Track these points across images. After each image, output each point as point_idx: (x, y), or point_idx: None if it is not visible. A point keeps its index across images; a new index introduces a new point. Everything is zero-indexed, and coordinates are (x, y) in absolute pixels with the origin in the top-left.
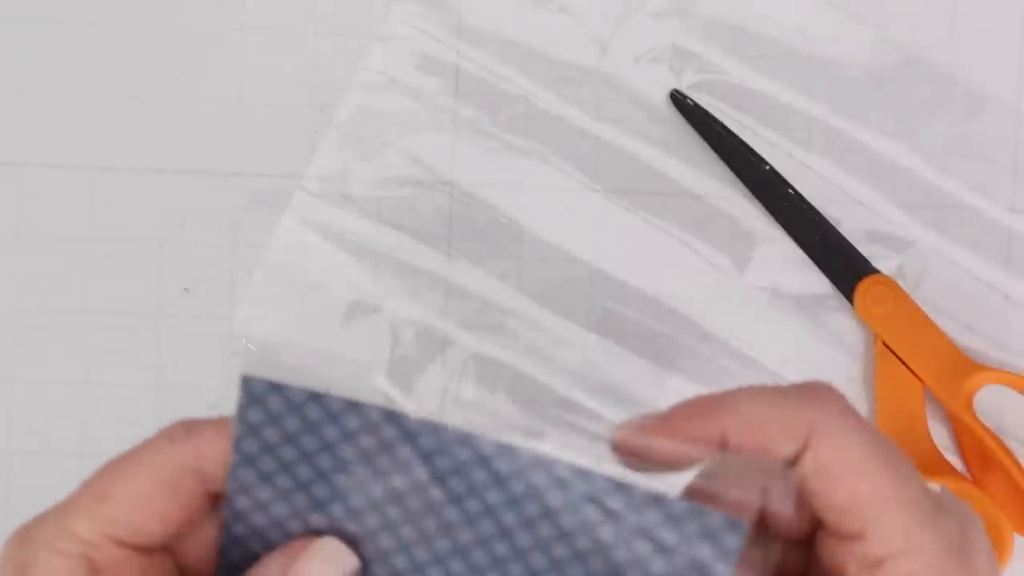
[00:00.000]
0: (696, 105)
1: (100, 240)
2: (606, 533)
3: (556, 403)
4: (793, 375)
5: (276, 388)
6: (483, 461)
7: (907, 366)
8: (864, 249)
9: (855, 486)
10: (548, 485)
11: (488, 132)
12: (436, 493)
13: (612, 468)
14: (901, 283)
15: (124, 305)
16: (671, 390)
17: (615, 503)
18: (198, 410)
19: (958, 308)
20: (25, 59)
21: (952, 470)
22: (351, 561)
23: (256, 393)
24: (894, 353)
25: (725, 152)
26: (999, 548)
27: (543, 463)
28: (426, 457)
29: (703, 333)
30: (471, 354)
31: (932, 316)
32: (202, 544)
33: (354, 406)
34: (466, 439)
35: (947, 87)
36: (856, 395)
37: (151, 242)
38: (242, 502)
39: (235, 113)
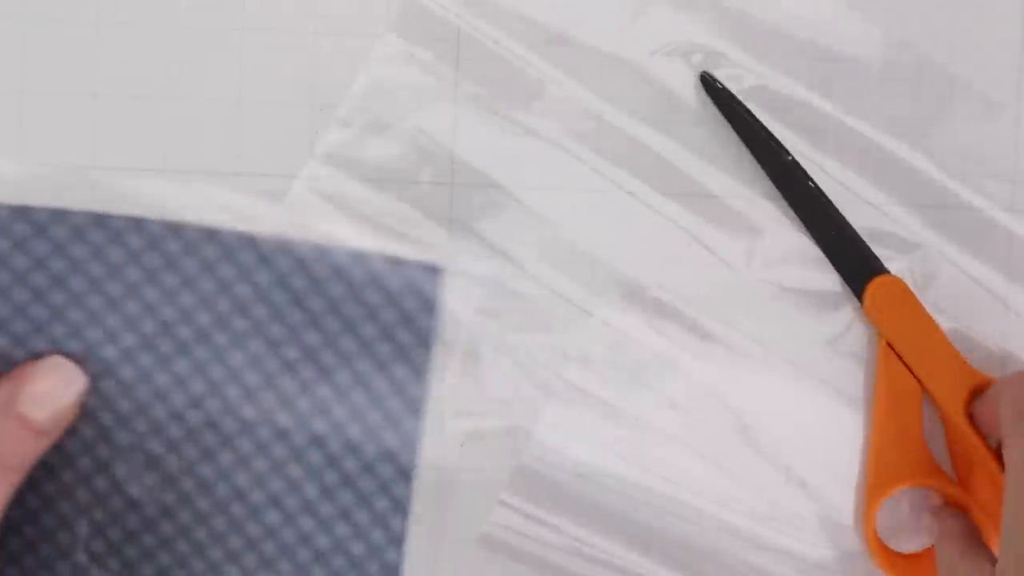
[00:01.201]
0: (724, 88)
1: None
2: (316, 303)
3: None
4: (794, 371)
5: None
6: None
7: (908, 368)
8: (872, 249)
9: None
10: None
11: (495, 110)
12: (151, 292)
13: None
14: (906, 282)
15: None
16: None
17: (320, 268)
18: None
19: (960, 309)
20: (25, 59)
21: (943, 475)
22: (80, 378)
23: None
24: (897, 354)
25: (748, 139)
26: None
27: (243, 239)
28: (133, 255)
29: (706, 330)
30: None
31: (935, 316)
32: None
33: (64, 218)
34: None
35: (956, 88)
36: (855, 393)
37: None
38: None
39: (235, 113)
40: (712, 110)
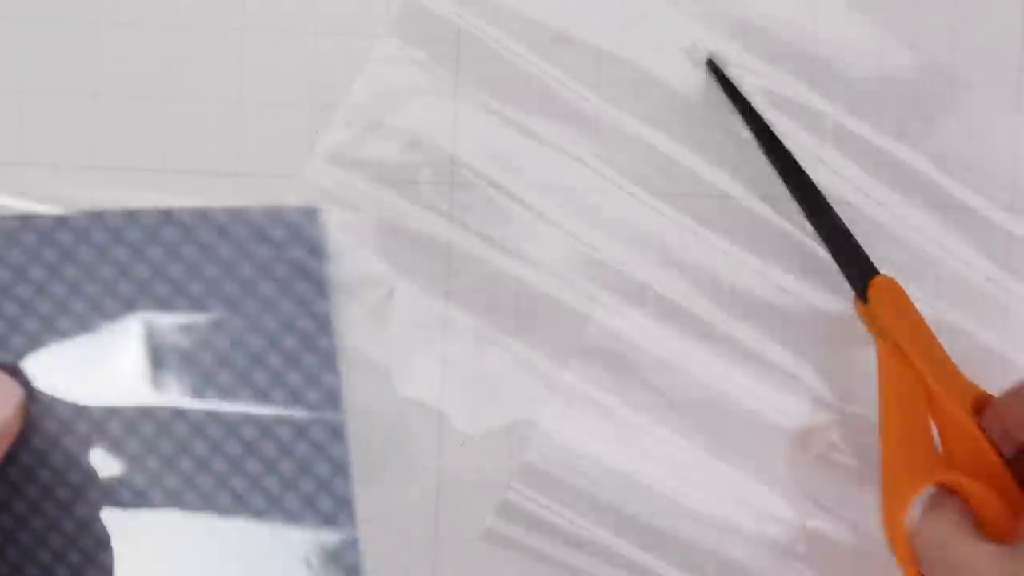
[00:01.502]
0: (727, 79)
1: None
2: (210, 269)
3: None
4: (798, 370)
5: None
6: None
7: (913, 367)
8: (871, 248)
9: None
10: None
11: (495, 110)
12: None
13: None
14: (906, 282)
15: None
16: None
17: (204, 233)
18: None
19: (960, 309)
20: (25, 59)
21: (957, 471)
22: (13, 387)
23: None
24: (901, 353)
25: (753, 129)
26: None
27: (125, 217)
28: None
29: (707, 329)
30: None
31: (935, 316)
32: None
33: None
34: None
35: (956, 88)
36: (857, 392)
37: None
38: None
39: (235, 113)
40: (712, 110)
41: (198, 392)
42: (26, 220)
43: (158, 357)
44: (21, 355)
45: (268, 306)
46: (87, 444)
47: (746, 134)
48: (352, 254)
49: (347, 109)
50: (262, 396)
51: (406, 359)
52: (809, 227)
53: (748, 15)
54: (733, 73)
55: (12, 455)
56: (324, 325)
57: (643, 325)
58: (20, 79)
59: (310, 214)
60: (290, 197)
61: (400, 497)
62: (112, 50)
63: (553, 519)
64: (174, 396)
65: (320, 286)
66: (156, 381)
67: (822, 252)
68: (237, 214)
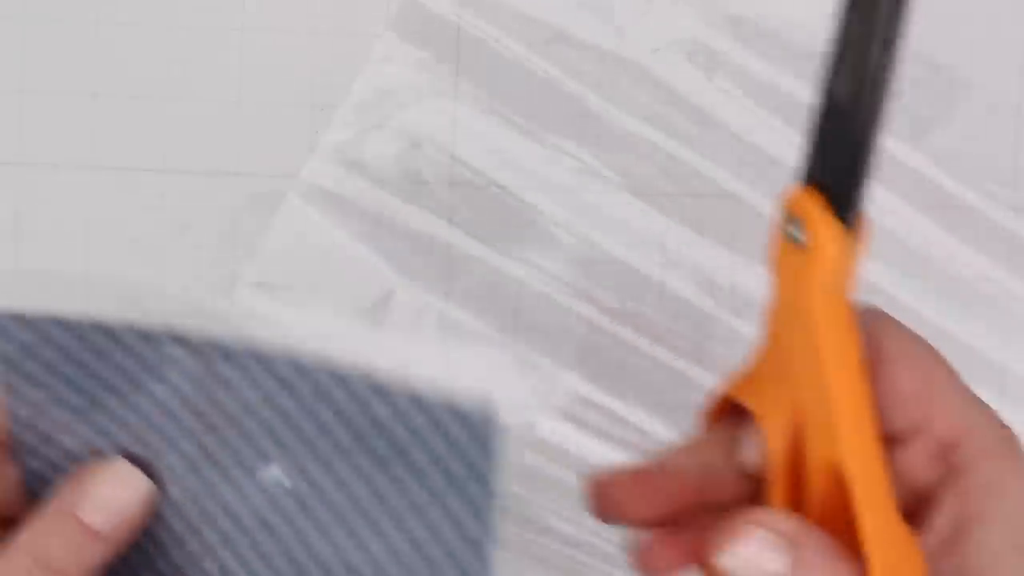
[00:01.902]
0: None
1: (99, 240)
2: (381, 445)
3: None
4: None
5: (17, 318)
6: (243, 364)
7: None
8: (871, 247)
9: (918, 372)
10: (331, 384)
11: (495, 110)
12: (208, 406)
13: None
14: (907, 282)
15: (125, 305)
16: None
17: (380, 408)
18: None
19: (959, 309)
20: (25, 59)
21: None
22: (144, 482)
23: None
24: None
25: None
26: None
27: (302, 368)
28: (193, 375)
29: (707, 329)
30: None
31: (935, 315)
32: (7, 484)
33: (101, 327)
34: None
35: (956, 88)
36: None
37: (151, 242)
38: (30, 438)
39: (235, 113)
40: (712, 110)
41: (340, 551)
42: (212, 340)
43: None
44: (160, 456)
45: (433, 495)
46: (212, 552)
47: (747, 134)
48: (352, 254)
49: (347, 109)
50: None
51: (406, 359)
52: None
53: (748, 14)
54: (732, 72)
55: (138, 549)
56: (486, 527)
57: (643, 325)
58: (20, 79)
59: (491, 422)
60: (291, 198)
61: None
62: (112, 50)
63: (553, 519)
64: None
65: (488, 492)
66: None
67: None
68: (417, 402)
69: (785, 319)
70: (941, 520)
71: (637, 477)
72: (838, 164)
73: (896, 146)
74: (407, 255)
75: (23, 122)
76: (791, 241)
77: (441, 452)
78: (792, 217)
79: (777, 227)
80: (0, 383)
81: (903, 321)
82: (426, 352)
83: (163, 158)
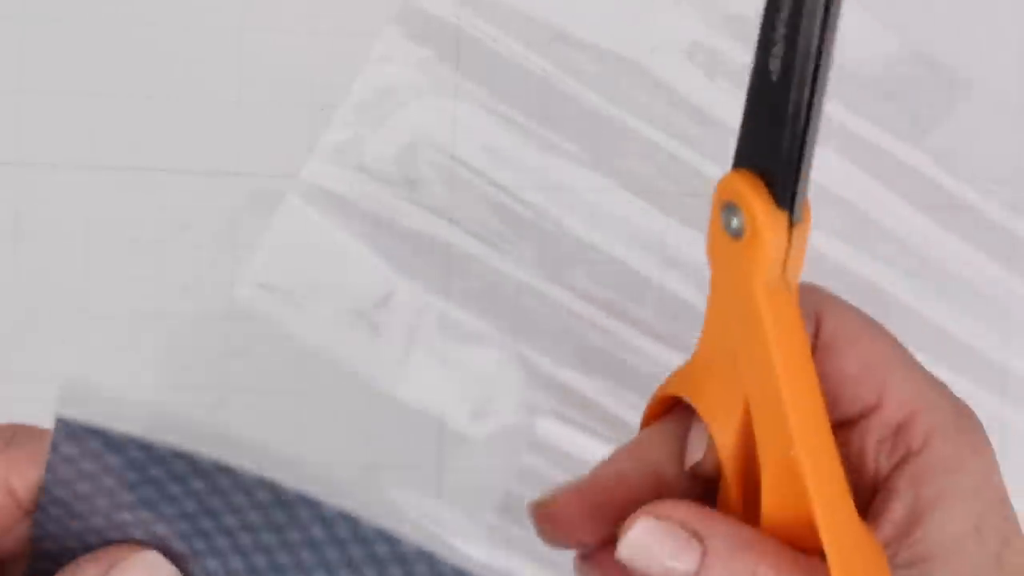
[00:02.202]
0: None
1: (99, 240)
2: None
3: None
4: None
5: (94, 432)
6: (320, 520)
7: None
8: (871, 247)
9: (864, 351)
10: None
11: (495, 110)
12: (269, 537)
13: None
14: (907, 282)
15: (124, 305)
16: None
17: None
18: (197, 410)
19: (959, 310)
20: (25, 59)
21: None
22: (172, 574)
23: (72, 432)
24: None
25: None
26: None
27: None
28: (260, 506)
29: None
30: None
31: (935, 315)
32: (13, 537)
33: (183, 456)
34: (301, 499)
35: (957, 88)
36: None
37: (151, 242)
38: (54, 511)
39: (235, 113)
40: (712, 110)
41: None
42: (273, 487)
43: None
44: (197, 554)
45: None
46: None
47: None
48: (352, 254)
49: (347, 109)
50: None
51: (406, 359)
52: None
53: (748, 14)
54: (732, 72)
55: None
56: None
57: (643, 325)
58: (20, 79)
59: None
60: (291, 198)
61: (400, 498)
62: (112, 50)
63: None
64: None
65: None
66: None
67: (822, 251)
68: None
69: (726, 310)
70: (897, 507)
71: (581, 493)
72: (775, 145)
73: (896, 146)
74: (407, 255)
75: (22, 122)
76: (728, 229)
77: None
78: (728, 203)
79: (713, 214)
80: (48, 475)
81: (907, 322)
82: (426, 352)
83: (163, 158)
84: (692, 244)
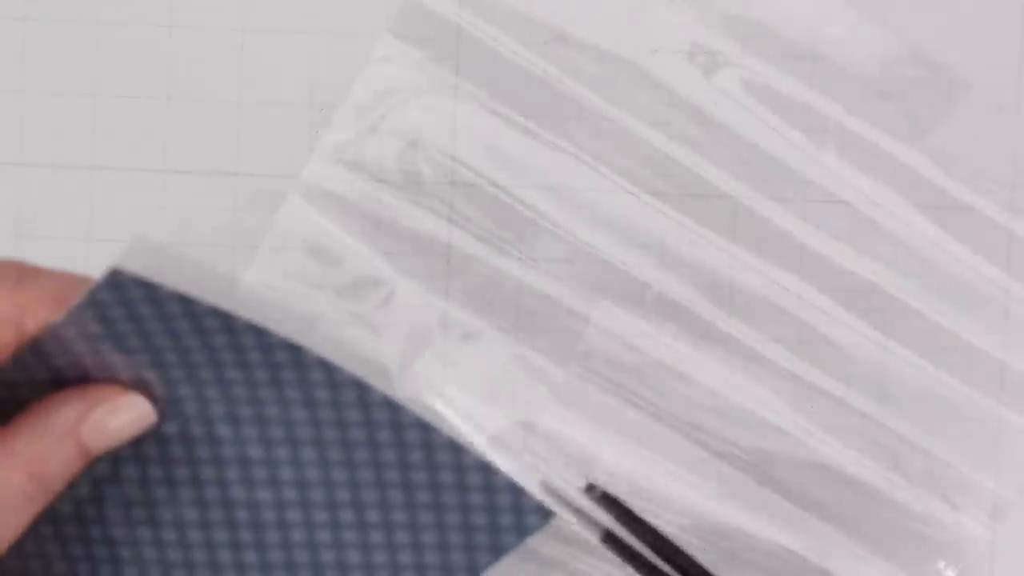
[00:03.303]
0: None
1: (99, 240)
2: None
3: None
4: (793, 370)
5: (141, 284)
6: (330, 384)
7: None
8: (871, 247)
9: None
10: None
11: (495, 110)
12: (267, 392)
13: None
14: (907, 282)
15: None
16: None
17: (444, 455)
18: None
19: (960, 308)
20: (25, 59)
21: None
22: (150, 417)
23: (118, 282)
24: None
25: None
26: None
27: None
28: (275, 366)
29: (707, 329)
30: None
31: (936, 315)
32: None
33: (220, 314)
34: (321, 363)
35: (956, 89)
36: (854, 385)
37: None
38: (49, 347)
39: (235, 113)
40: (712, 110)
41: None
42: (297, 351)
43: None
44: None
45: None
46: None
47: (747, 135)
48: (352, 254)
49: (347, 109)
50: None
51: (406, 359)
52: (812, 228)
53: (748, 14)
54: (732, 72)
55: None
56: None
57: (642, 325)
58: (20, 79)
59: (542, 513)
60: (291, 198)
61: None
62: (112, 50)
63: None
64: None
65: (496, 554)
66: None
67: (822, 252)
68: (486, 469)
69: None
70: None
71: None
72: None
73: (896, 146)
74: (407, 255)
75: (23, 122)
76: None
77: (481, 519)
78: None
79: None
80: (70, 313)
81: (907, 322)
82: (426, 350)
83: (163, 158)
84: (692, 244)
